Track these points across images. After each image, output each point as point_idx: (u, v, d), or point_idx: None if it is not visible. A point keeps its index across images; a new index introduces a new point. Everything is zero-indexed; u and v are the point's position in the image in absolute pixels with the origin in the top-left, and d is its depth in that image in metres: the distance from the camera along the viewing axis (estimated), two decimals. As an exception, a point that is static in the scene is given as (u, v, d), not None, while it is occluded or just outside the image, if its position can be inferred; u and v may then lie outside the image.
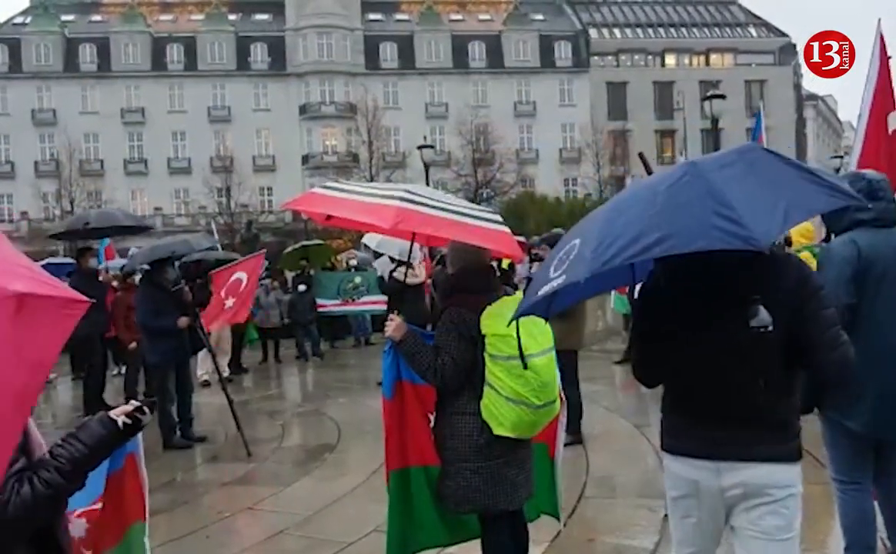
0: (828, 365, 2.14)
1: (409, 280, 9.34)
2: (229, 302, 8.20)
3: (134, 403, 2.05)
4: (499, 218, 2.94)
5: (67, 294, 1.71)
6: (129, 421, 1.98)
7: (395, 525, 3.09)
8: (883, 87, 4.40)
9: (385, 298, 9.63)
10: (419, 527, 3.12)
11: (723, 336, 2.12)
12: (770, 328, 2.00)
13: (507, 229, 2.88)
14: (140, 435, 2.29)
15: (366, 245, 10.97)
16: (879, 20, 4.54)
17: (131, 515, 2.49)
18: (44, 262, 12.38)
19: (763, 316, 2.01)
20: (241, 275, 8.60)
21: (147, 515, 2.53)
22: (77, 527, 2.22)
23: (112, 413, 2.00)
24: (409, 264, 4.63)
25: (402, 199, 2.71)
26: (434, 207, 2.74)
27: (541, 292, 2.06)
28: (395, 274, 9.30)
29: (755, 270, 2.08)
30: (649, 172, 2.30)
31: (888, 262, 2.93)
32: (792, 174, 2.00)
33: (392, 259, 9.34)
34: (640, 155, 2.68)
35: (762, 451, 2.13)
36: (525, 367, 2.69)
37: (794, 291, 2.12)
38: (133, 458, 2.47)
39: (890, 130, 4.32)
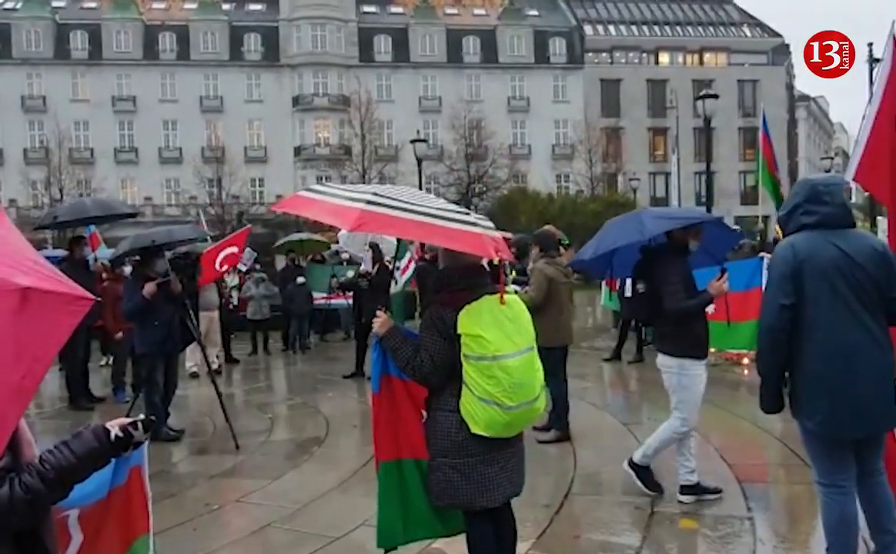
0: (668, 311, 4.39)
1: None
2: (221, 265, 8.76)
3: (132, 419, 2.01)
4: (473, 218, 2.87)
5: (72, 291, 1.71)
6: (121, 434, 1.94)
7: (385, 515, 3.10)
8: (894, 89, 4.27)
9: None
10: (412, 519, 3.13)
11: (636, 292, 4.61)
12: (642, 290, 4.54)
13: (481, 230, 2.78)
14: (146, 447, 2.24)
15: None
16: (894, 22, 4.47)
17: (135, 529, 2.40)
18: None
19: (640, 285, 4.57)
20: (233, 249, 8.99)
21: (151, 528, 2.44)
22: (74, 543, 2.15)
23: (108, 424, 1.96)
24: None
25: (368, 201, 2.69)
26: (399, 209, 2.71)
27: (579, 263, 5.49)
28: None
29: (646, 265, 4.55)
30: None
31: (827, 262, 2.97)
32: (674, 216, 4.94)
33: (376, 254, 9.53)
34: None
35: (658, 345, 4.67)
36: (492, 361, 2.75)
37: (657, 275, 4.44)
38: (138, 471, 2.37)
39: None
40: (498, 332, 2.75)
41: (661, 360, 4.57)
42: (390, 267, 9.63)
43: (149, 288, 6.49)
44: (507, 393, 2.74)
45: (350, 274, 11.41)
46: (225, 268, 9.61)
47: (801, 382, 3.06)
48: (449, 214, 2.80)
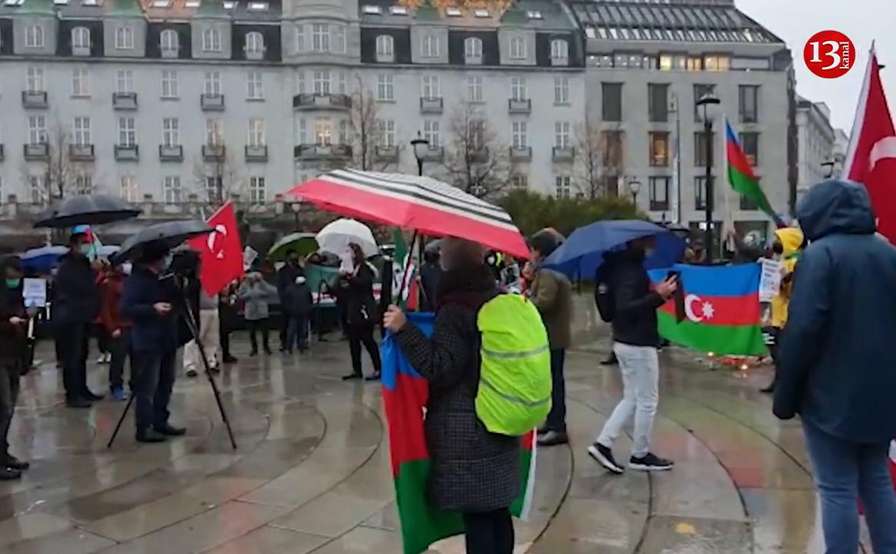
0: (618, 309, 5.20)
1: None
2: (220, 254, 8.62)
3: None
4: (506, 215, 2.87)
5: None
6: None
7: (409, 520, 2.98)
8: (872, 114, 4.25)
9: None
10: (429, 520, 3.06)
11: (602, 292, 5.35)
12: (603, 291, 5.33)
13: (514, 227, 2.83)
14: None
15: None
16: (874, 42, 4.41)
17: None
18: (38, 251, 12.32)
19: (602, 288, 5.33)
20: (220, 227, 8.89)
21: None
22: None
23: None
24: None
25: (415, 194, 2.62)
26: (446, 204, 2.66)
27: (550, 266, 5.76)
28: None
29: (607, 270, 5.33)
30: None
31: (859, 267, 2.96)
32: (632, 229, 5.65)
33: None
34: None
35: (619, 337, 5.35)
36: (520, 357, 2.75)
37: (614, 278, 5.24)
38: None
39: (872, 164, 4.19)
40: (520, 329, 2.76)
41: (623, 349, 5.34)
42: (372, 267, 9.69)
43: (160, 307, 6.52)
44: (532, 389, 2.75)
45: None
46: (220, 253, 9.35)
47: (822, 385, 3.01)
48: (488, 211, 2.80)
